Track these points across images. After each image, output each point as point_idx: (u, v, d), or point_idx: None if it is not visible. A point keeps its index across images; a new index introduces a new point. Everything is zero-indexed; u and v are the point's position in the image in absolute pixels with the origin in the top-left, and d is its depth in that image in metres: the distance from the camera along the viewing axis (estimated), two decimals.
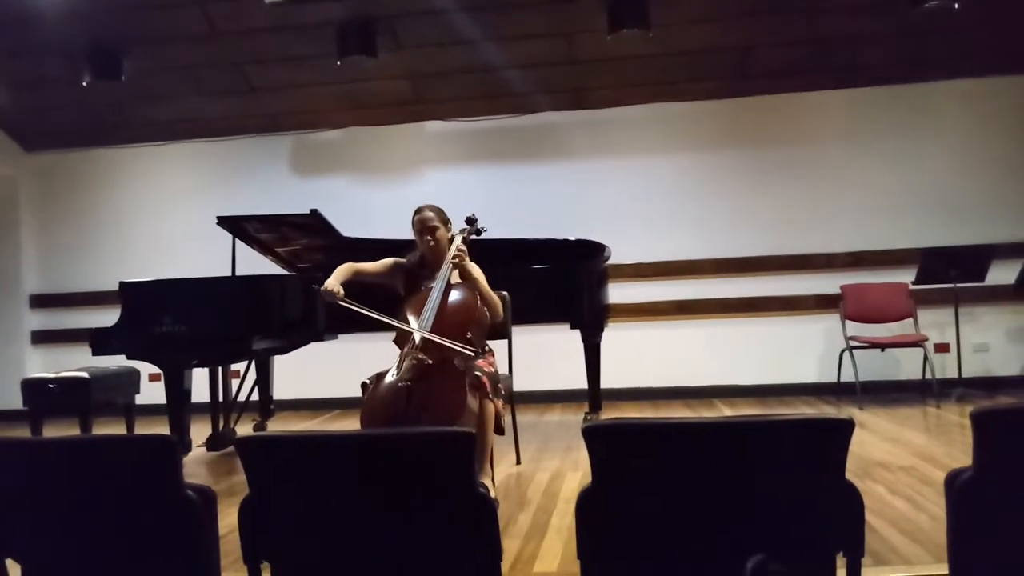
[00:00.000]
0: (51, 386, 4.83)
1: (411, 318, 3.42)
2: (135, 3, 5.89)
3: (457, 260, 3.49)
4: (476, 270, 3.55)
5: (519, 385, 4.38)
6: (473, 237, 3.82)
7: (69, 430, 5.23)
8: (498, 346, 3.87)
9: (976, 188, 6.39)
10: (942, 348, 6.25)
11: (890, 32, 5.98)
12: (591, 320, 5.09)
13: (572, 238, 5.20)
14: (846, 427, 1.45)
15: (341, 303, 3.33)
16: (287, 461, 1.65)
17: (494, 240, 4.16)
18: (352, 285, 3.46)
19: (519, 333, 4.30)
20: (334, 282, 3.38)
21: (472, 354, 3.34)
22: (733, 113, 6.64)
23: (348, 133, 7.10)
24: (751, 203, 6.59)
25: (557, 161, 6.82)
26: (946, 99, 6.45)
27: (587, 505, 1.55)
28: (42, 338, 7.39)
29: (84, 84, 6.24)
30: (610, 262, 5.47)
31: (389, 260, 3.71)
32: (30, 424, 4.90)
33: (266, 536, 1.65)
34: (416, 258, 3.70)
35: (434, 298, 3.41)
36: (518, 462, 4.32)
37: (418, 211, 3.64)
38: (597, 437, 1.52)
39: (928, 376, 5.85)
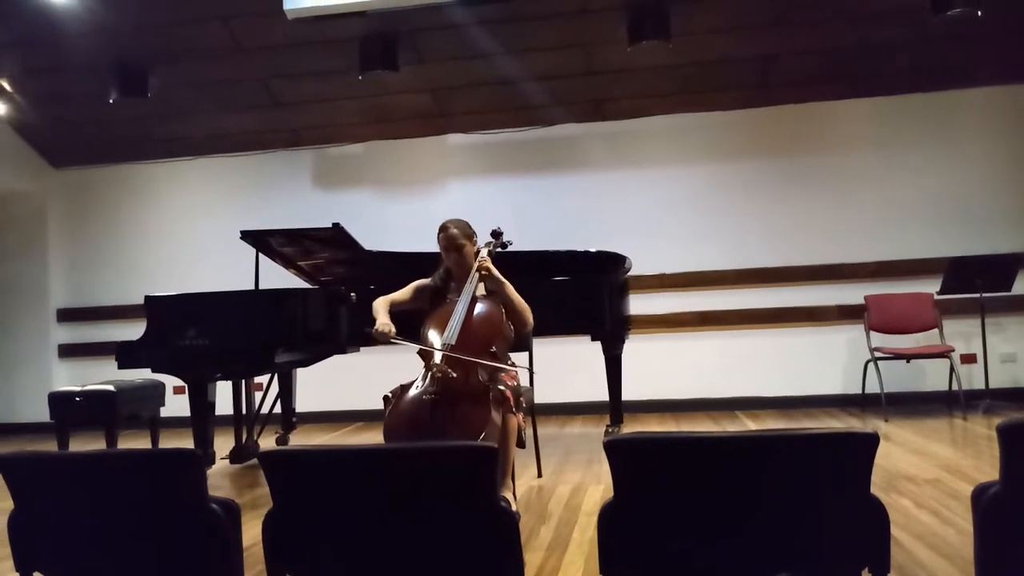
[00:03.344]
0: (77, 399, 4.90)
1: (435, 332, 3.42)
2: (160, 21, 5.98)
3: (483, 273, 3.50)
4: (505, 283, 3.55)
5: (540, 397, 4.37)
6: (498, 250, 3.83)
7: (95, 443, 5.29)
8: (519, 358, 3.87)
9: (1002, 196, 6.31)
10: (968, 359, 6.17)
11: (913, 40, 5.94)
12: (612, 332, 5.08)
13: (593, 250, 5.20)
14: (871, 441, 1.44)
15: (393, 340, 3.37)
16: (310, 475, 1.66)
17: (515, 252, 4.16)
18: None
19: (540, 344, 4.30)
20: (385, 320, 3.42)
21: (499, 367, 3.35)
22: (755, 123, 6.62)
23: (370, 147, 7.15)
24: (774, 213, 6.55)
25: (578, 173, 6.83)
26: (970, 107, 6.39)
27: (609, 519, 1.55)
28: (69, 351, 7.49)
29: (110, 101, 6.34)
30: (632, 273, 5.46)
31: (413, 285, 3.70)
32: (57, 437, 4.97)
33: (289, 549, 1.66)
34: (443, 273, 3.70)
35: (460, 312, 3.42)
36: (539, 475, 4.31)
37: (443, 228, 3.63)
38: (619, 451, 1.52)
39: (954, 387, 5.78)
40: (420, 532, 1.60)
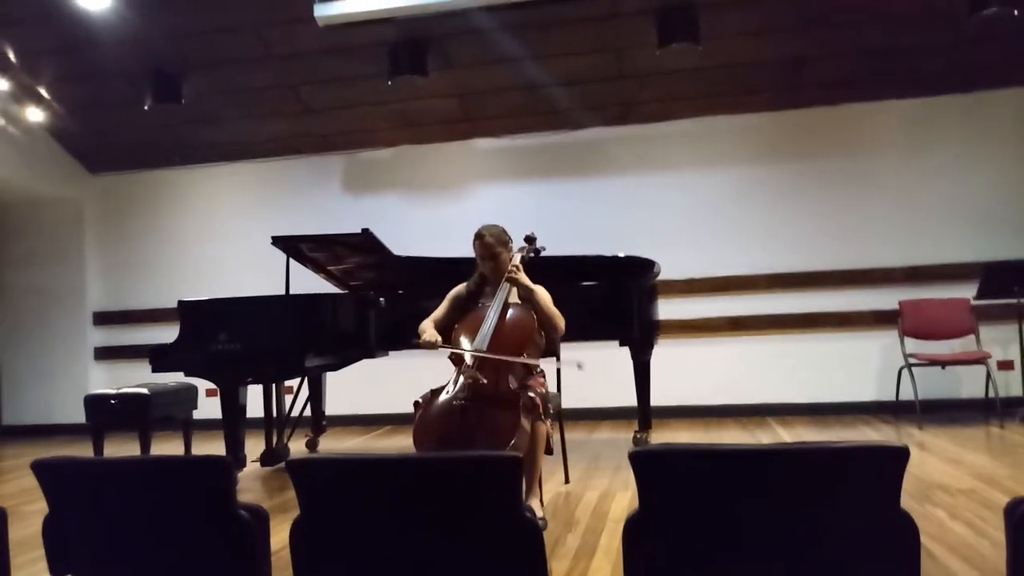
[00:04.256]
0: (112, 402, 4.98)
1: (467, 338, 3.44)
2: (193, 29, 6.07)
3: (511, 274, 3.50)
4: (538, 288, 3.55)
5: (567, 402, 4.36)
6: (531, 255, 3.83)
7: (129, 444, 5.38)
8: (547, 364, 3.86)
9: None
10: (1005, 365, 6.06)
11: (946, 41, 5.84)
12: (641, 337, 5.06)
13: (621, 254, 5.18)
14: (901, 455, 1.42)
15: (440, 348, 3.41)
16: (337, 483, 1.67)
17: (543, 257, 4.16)
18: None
19: (567, 350, 4.28)
20: (433, 332, 3.46)
21: (531, 366, 3.36)
22: (785, 125, 6.55)
23: (399, 151, 7.20)
24: (805, 217, 6.48)
25: (606, 176, 6.81)
26: (1004, 108, 6.27)
27: (634, 531, 1.54)
28: (104, 354, 7.62)
29: (145, 108, 6.44)
30: (660, 278, 5.43)
31: (449, 296, 3.71)
32: (92, 438, 5.05)
33: (316, 557, 1.68)
34: (477, 278, 3.71)
35: (492, 318, 3.43)
36: (567, 481, 4.30)
37: (479, 236, 3.62)
38: (644, 462, 1.51)
39: (991, 394, 5.67)
40: (445, 541, 1.61)
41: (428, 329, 3.51)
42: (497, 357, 3.28)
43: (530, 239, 3.90)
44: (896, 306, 6.06)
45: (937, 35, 5.80)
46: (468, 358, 3.34)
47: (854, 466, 1.45)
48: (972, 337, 5.89)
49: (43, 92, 6.80)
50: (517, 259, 3.61)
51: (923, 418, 5.61)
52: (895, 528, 1.43)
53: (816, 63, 6.15)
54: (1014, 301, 5.63)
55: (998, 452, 4.68)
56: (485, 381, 3.25)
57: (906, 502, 1.44)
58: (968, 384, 6.12)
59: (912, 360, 5.74)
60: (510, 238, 3.69)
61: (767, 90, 6.41)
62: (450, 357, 3.49)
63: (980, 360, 5.61)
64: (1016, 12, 5.19)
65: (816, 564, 1.46)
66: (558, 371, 4.03)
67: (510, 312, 3.49)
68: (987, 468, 4.21)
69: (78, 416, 5.38)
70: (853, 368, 6.35)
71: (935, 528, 3.16)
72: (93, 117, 7.09)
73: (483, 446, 3.06)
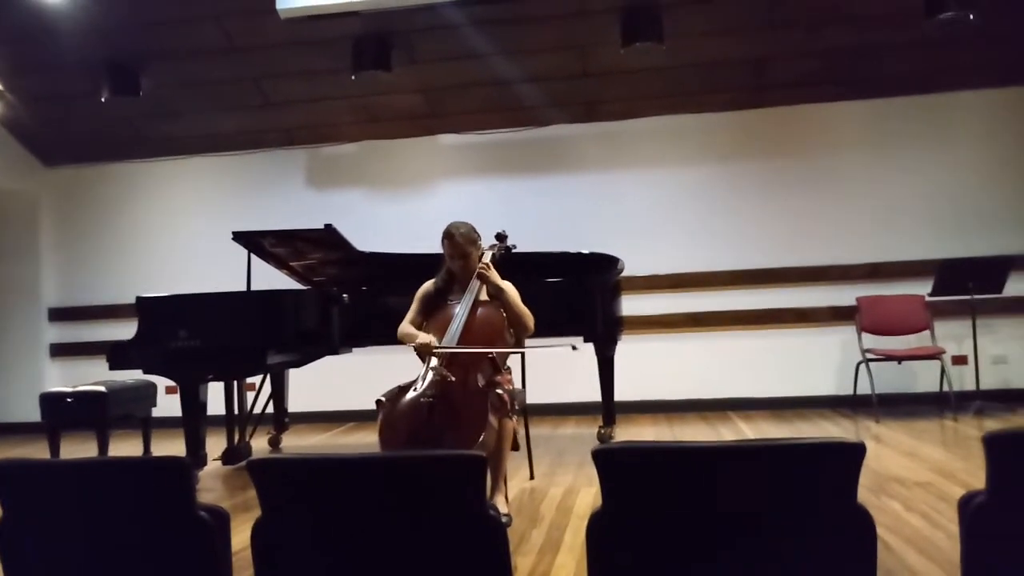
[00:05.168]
0: (69, 400, 4.89)
1: (436, 335, 3.42)
2: (152, 19, 5.96)
3: (481, 272, 3.48)
4: (507, 285, 3.53)
5: (532, 398, 4.37)
6: (502, 253, 3.82)
7: (87, 443, 5.28)
8: (511, 360, 3.87)
9: (994, 199, 6.34)
10: (960, 360, 6.20)
11: (906, 43, 5.95)
12: (604, 333, 5.08)
13: (585, 251, 5.20)
14: (857, 451, 1.45)
15: (436, 351, 3.35)
16: (299, 483, 1.66)
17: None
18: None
19: (532, 345, 4.29)
20: (422, 336, 3.40)
21: (499, 364, 3.38)
22: (748, 125, 6.63)
23: (363, 147, 7.15)
24: (766, 215, 6.57)
25: (571, 174, 6.83)
26: (963, 110, 6.41)
27: (597, 528, 1.55)
28: (60, 351, 7.47)
29: (103, 100, 6.31)
30: (624, 274, 5.47)
31: (418, 296, 3.66)
32: (48, 438, 4.96)
33: (278, 557, 1.66)
34: (445, 275, 3.65)
35: (461, 315, 3.42)
36: (532, 477, 4.31)
37: (448, 235, 3.55)
38: (607, 461, 1.52)
39: (946, 389, 5.81)
40: (408, 541, 1.60)
41: (413, 332, 3.47)
42: (467, 350, 3.27)
43: (501, 236, 3.88)
44: (854, 302, 6.17)
45: (898, 37, 5.91)
46: (435, 356, 3.33)
47: (811, 462, 1.48)
48: (927, 333, 6.01)
49: None
50: (488, 257, 3.60)
51: (880, 412, 5.72)
52: (852, 523, 1.45)
53: (779, 63, 6.23)
54: (968, 298, 5.77)
55: (952, 445, 4.79)
56: (453, 379, 3.24)
57: (863, 495, 1.47)
58: (923, 379, 6.25)
59: (869, 355, 5.85)
60: (479, 235, 3.66)
61: (730, 90, 6.48)
62: (417, 353, 3.46)
63: (935, 355, 5.73)
64: (971, 16, 5.29)
65: (775, 559, 1.48)
66: (523, 367, 4.04)
67: (480, 310, 3.48)
68: (942, 461, 4.30)
69: (33, 415, 5.27)
70: (812, 363, 6.46)
71: (891, 520, 3.22)
72: (48, 109, 6.93)
73: (451, 443, 3.06)
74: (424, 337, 3.40)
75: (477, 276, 3.49)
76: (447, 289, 3.63)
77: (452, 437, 3.07)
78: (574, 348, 3.42)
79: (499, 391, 3.27)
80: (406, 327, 3.54)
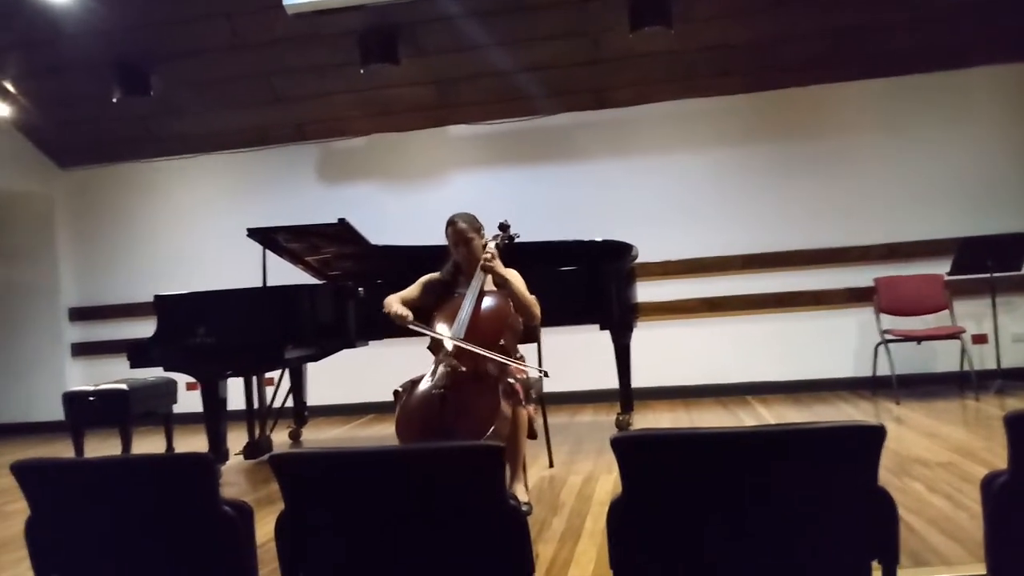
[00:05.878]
0: (91, 399, 4.94)
1: (444, 326, 3.43)
2: (161, 19, 5.98)
3: (486, 262, 3.48)
4: (512, 273, 3.53)
5: (550, 386, 4.38)
6: (506, 243, 3.82)
7: (110, 441, 5.34)
8: (528, 348, 3.88)
9: (1011, 175, 6.26)
10: (980, 339, 6.15)
11: (917, 19, 5.88)
12: (620, 321, 5.08)
13: (598, 239, 5.19)
14: (878, 434, 1.44)
15: (411, 326, 3.38)
16: (320, 477, 1.67)
17: (521, 243, 4.15)
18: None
19: (548, 334, 4.30)
20: (399, 307, 3.42)
21: (511, 352, 3.37)
22: (759, 107, 6.57)
23: (373, 140, 7.15)
24: (780, 197, 6.52)
25: (582, 161, 6.81)
26: (978, 86, 6.33)
27: (618, 516, 1.55)
28: (81, 350, 7.54)
29: (114, 100, 6.35)
30: (638, 261, 5.46)
31: (421, 280, 3.68)
32: (72, 436, 5.01)
33: (301, 550, 1.68)
34: (451, 267, 3.69)
35: (468, 306, 3.43)
36: (551, 465, 4.32)
37: (451, 223, 3.60)
38: (626, 448, 1.52)
39: (966, 368, 5.76)
40: (430, 531, 1.61)
41: (395, 304, 3.46)
42: (472, 348, 3.27)
43: (504, 227, 3.88)
44: (872, 284, 6.12)
45: (908, 14, 5.84)
46: (448, 345, 3.34)
47: (832, 446, 1.47)
48: (946, 312, 5.96)
49: (9, 87, 6.69)
50: (492, 247, 3.61)
51: (900, 393, 5.69)
52: (873, 504, 1.45)
53: (788, 44, 6.17)
54: (987, 276, 5.71)
55: (974, 425, 4.76)
56: (464, 369, 3.25)
57: (884, 477, 1.46)
58: (943, 358, 6.20)
59: (888, 336, 5.81)
60: (482, 225, 3.68)
61: (740, 72, 6.43)
62: (429, 347, 3.49)
63: (955, 335, 5.69)
64: None
65: (797, 543, 1.48)
66: (539, 354, 4.05)
67: (486, 299, 3.49)
68: (964, 441, 4.28)
69: (57, 414, 5.33)
70: (830, 346, 6.42)
71: (914, 502, 3.21)
72: (61, 111, 6.98)
73: (463, 433, 3.07)
74: (397, 308, 3.40)
75: (482, 267, 3.50)
76: (454, 282, 3.65)
77: (464, 427, 3.08)
78: (546, 375, 3.47)
79: (511, 379, 3.28)
80: (391, 297, 3.53)
